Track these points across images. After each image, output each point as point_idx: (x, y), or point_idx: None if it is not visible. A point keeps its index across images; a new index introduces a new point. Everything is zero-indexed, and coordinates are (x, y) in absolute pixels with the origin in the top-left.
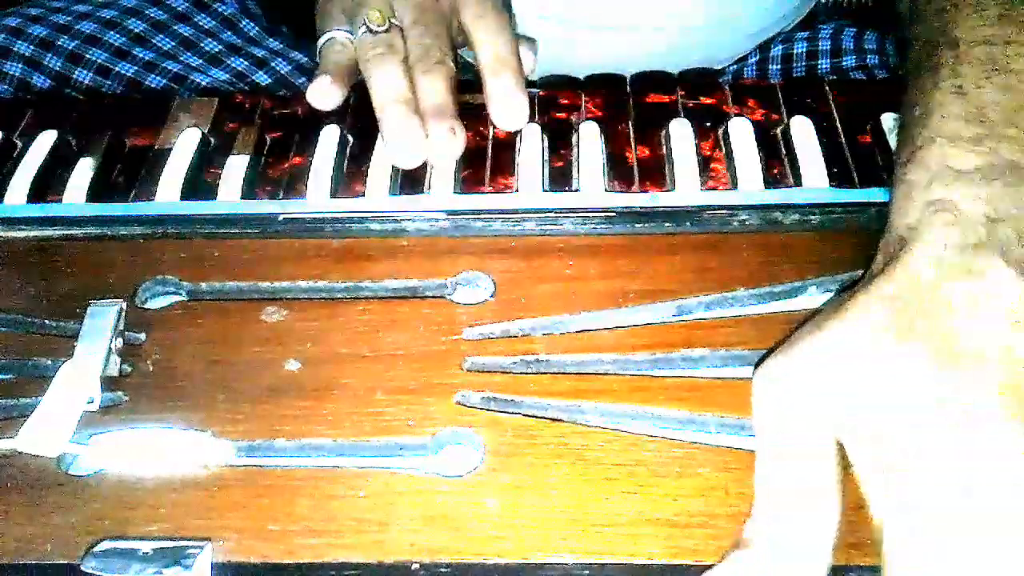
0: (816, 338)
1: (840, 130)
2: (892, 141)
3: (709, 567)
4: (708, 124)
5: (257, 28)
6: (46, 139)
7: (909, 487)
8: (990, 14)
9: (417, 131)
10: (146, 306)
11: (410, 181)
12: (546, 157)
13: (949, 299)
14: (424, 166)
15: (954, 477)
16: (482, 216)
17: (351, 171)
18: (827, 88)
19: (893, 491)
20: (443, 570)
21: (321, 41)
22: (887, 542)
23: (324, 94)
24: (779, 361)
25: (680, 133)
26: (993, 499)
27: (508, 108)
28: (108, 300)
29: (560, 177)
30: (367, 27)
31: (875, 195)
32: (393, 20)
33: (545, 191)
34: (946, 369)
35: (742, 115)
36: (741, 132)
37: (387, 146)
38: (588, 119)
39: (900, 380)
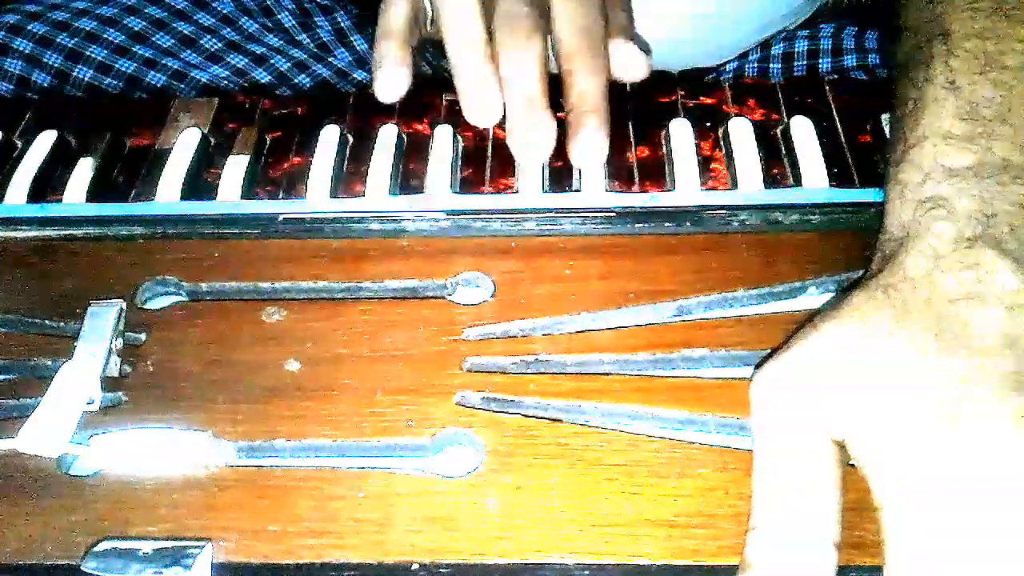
0: (812, 339)
1: (840, 130)
2: None
3: (709, 567)
4: (708, 124)
5: (256, 25)
6: (46, 139)
7: (913, 477)
8: (984, 6)
9: (493, 93)
10: (146, 306)
11: (410, 181)
12: None
13: (946, 291)
14: (425, 167)
15: (958, 463)
16: (482, 216)
17: (351, 171)
18: (827, 88)
19: (898, 483)
20: (443, 570)
21: None
22: (890, 534)
23: (392, 83)
24: (776, 364)
25: (680, 133)
26: (998, 484)
27: (584, 150)
28: (108, 300)
29: (560, 177)
30: None
31: (875, 195)
32: None
33: (545, 191)
34: (945, 357)
35: (742, 115)
36: (741, 132)
37: (463, 107)
38: None
39: (900, 371)
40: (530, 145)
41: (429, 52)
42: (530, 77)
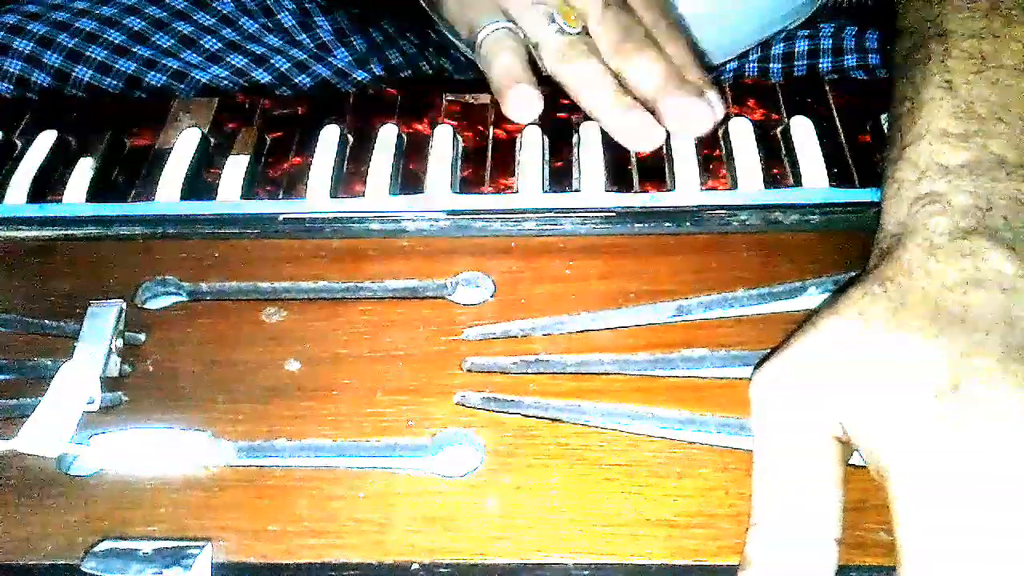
0: (811, 336)
1: (840, 130)
2: None
3: (709, 567)
4: None
5: (256, 25)
6: (46, 139)
7: (917, 475)
8: (980, 6)
9: (649, 120)
10: (146, 306)
11: (410, 181)
12: (546, 157)
13: (943, 280)
14: (425, 167)
15: (962, 460)
16: (482, 216)
17: (351, 171)
18: (827, 88)
19: (902, 481)
20: (443, 570)
21: (484, 35)
22: (900, 531)
23: (530, 102)
24: (775, 362)
25: None
26: (1005, 483)
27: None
28: (108, 300)
29: (560, 177)
30: (559, 27)
31: (875, 195)
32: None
33: (545, 191)
34: (944, 339)
35: (742, 115)
36: (741, 132)
37: (626, 143)
38: (588, 119)
39: (899, 365)
40: (694, 121)
41: (429, 52)
42: (658, 66)
